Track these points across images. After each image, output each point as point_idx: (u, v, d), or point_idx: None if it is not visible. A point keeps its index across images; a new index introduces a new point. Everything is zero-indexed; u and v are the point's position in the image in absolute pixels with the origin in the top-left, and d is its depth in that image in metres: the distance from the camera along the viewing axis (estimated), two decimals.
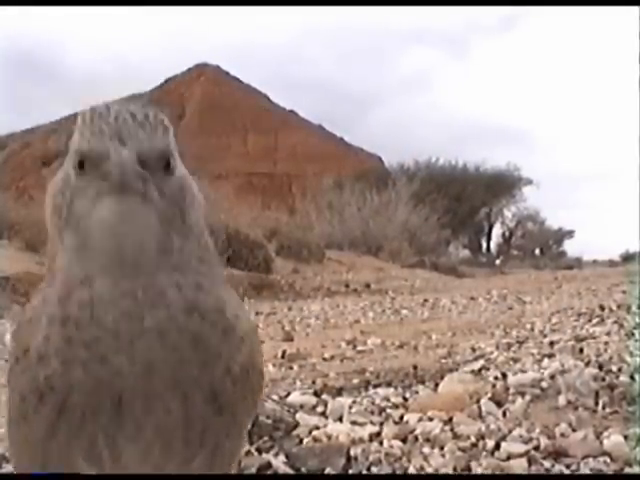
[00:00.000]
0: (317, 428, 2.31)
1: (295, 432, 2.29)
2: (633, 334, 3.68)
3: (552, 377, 2.65)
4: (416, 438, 2.19)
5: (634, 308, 4.80)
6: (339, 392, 2.89)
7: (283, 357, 4.22)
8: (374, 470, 2.01)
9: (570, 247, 29.23)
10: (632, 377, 2.61)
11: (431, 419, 2.34)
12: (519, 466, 1.96)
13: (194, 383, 0.91)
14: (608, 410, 2.34)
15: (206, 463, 0.97)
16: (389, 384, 3.02)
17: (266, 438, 2.21)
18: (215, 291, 0.96)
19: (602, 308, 5.20)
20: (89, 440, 0.91)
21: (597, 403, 2.40)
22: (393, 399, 2.64)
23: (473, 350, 3.89)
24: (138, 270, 0.90)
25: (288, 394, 2.77)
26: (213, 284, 0.96)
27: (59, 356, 0.90)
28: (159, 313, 0.89)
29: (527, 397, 2.49)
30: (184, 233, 0.94)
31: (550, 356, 3.20)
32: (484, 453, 2.05)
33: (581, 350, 3.30)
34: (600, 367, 2.78)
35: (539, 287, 9.22)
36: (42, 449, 0.94)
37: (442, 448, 2.10)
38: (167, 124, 0.95)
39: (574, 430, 2.17)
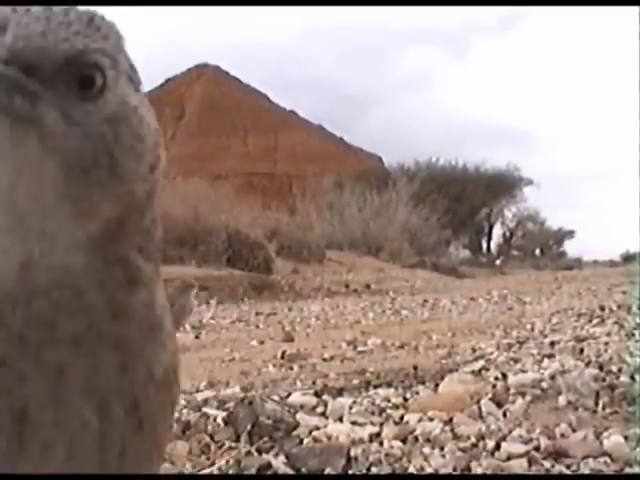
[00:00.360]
0: (317, 428, 2.31)
1: (295, 432, 2.28)
2: (633, 334, 3.68)
3: (552, 377, 2.65)
4: (416, 438, 2.19)
5: (634, 308, 4.80)
6: (339, 392, 2.89)
7: (283, 357, 4.23)
8: (374, 470, 2.01)
9: (570, 247, 29.27)
10: (632, 377, 2.61)
11: (431, 419, 2.34)
12: (519, 466, 1.96)
13: (112, 390, 0.73)
14: (608, 410, 2.34)
15: None
16: (389, 384, 3.02)
17: (266, 438, 2.21)
18: (149, 285, 0.74)
19: (602, 308, 5.21)
20: None
21: (597, 403, 2.40)
22: (393, 399, 2.64)
23: (473, 350, 3.89)
24: (27, 248, 0.66)
25: (288, 394, 2.77)
26: (149, 277, 0.73)
27: None
28: (76, 320, 0.68)
29: (527, 397, 2.49)
30: (111, 193, 0.66)
31: (550, 356, 3.20)
32: (484, 453, 2.05)
33: (581, 350, 3.30)
34: (600, 367, 2.78)
35: (539, 287, 9.22)
36: None
37: (442, 448, 2.10)
38: (105, 25, 0.66)
39: (574, 430, 2.17)
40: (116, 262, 0.70)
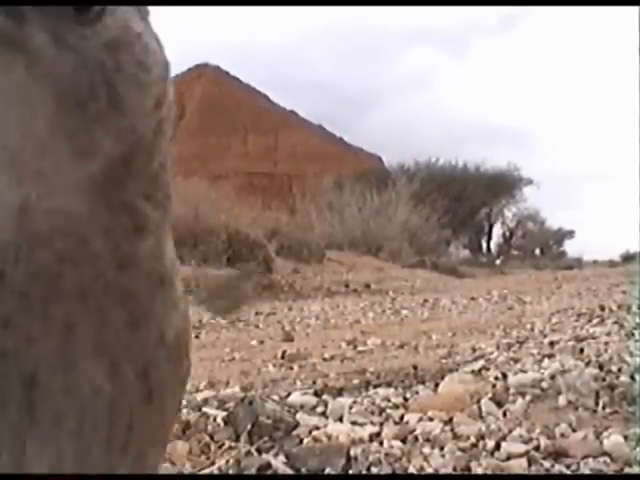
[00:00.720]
0: (317, 428, 2.31)
1: (295, 432, 2.28)
2: (633, 334, 3.68)
3: (552, 377, 2.65)
4: (416, 438, 2.19)
5: (634, 308, 4.80)
6: (339, 392, 2.89)
7: (283, 357, 4.23)
8: (374, 470, 2.01)
9: (570, 247, 29.24)
10: (632, 377, 2.61)
11: (431, 419, 2.34)
12: (519, 466, 1.96)
13: (123, 350, 0.66)
14: (608, 410, 2.34)
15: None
16: (389, 384, 3.02)
17: (266, 438, 2.21)
18: (156, 233, 0.68)
19: (602, 308, 5.21)
20: None
21: (597, 403, 2.40)
22: (393, 399, 2.64)
23: (473, 350, 3.89)
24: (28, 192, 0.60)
25: (288, 394, 2.77)
26: (156, 225, 0.67)
27: None
28: (82, 271, 0.63)
29: (527, 397, 2.49)
30: (112, 127, 0.60)
31: (550, 356, 3.20)
32: (484, 453, 2.05)
33: (581, 350, 3.30)
34: (600, 367, 2.78)
35: (539, 287, 9.22)
36: None
37: (442, 448, 2.10)
38: None
39: (574, 430, 2.17)
40: (121, 207, 0.64)
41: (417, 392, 2.77)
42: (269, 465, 2.02)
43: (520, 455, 2.01)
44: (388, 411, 2.50)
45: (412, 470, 1.98)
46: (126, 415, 0.67)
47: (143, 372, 0.68)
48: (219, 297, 4.44)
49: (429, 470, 1.98)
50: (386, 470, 2.00)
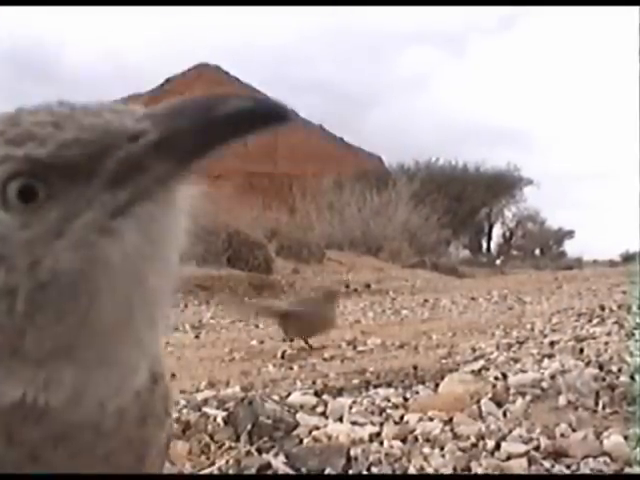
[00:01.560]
0: (317, 428, 2.31)
1: (295, 432, 2.28)
2: (633, 334, 3.68)
3: (552, 377, 2.65)
4: (416, 438, 2.19)
5: (634, 308, 4.80)
6: (339, 392, 2.89)
7: (283, 357, 4.23)
8: (374, 470, 2.01)
9: (570, 247, 29.24)
10: (632, 377, 2.61)
11: (431, 419, 2.34)
12: (519, 466, 1.96)
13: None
14: (608, 410, 2.34)
15: None
16: (389, 384, 3.02)
17: (266, 438, 2.21)
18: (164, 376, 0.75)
19: (602, 308, 5.21)
20: None
21: (597, 403, 2.40)
22: (393, 399, 2.64)
23: (473, 350, 3.89)
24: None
25: (288, 394, 2.77)
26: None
27: None
28: (116, 442, 0.68)
29: (527, 397, 2.49)
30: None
31: (550, 356, 3.20)
32: (484, 453, 2.05)
33: (581, 350, 3.30)
34: (600, 367, 2.78)
35: (539, 287, 9.21)
36: None
37: (442, 448, 2.10)
38: None
39: (574, 430, 2.17)
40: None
41: (417, 392, 2.76)
42: (269, 465, 2.02)
43: (520, 455, 2.01)
44: (388, 411, 2.50)
45: (412, 470, 1.98)
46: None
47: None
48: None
49: (429, 470, 1.98)
50: (386, 470, 2.00)
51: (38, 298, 0.53)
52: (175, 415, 2.27)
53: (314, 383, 3.17)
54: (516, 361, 3.22)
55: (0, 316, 0.53)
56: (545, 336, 4.16)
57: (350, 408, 2.52)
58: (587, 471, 1.91)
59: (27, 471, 0.63)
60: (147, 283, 0.58)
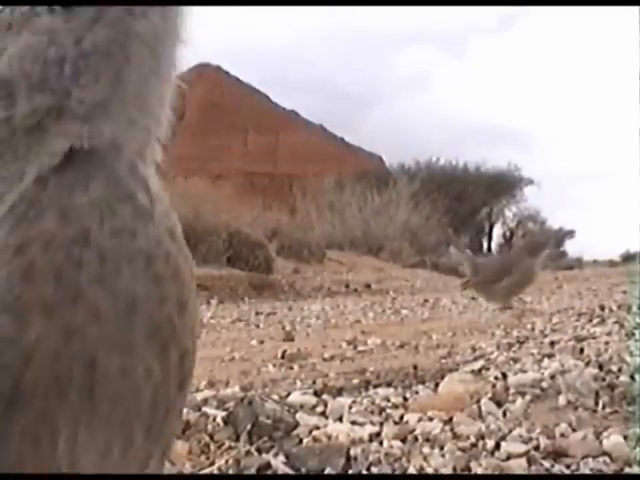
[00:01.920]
0: (317, 428, 2.31)
1: (295, 432, 2.28)
2: (633, 334, 3.68)
3: (552, 377, 2.65)
4: (416, 438, 2.19)
5: (634, 308, 4.80)
6: (339, 392, 2.89)
7: (283, 357, 4.23)
8: (374, 470, 2.01)
9: (571, 247, 29.21)
10: (632, 377, 2.61)
11: (431, 419, 2.34)
12: (519, 466, 1.96)
13: (172, 332, 0.66)
14: (608, 410, 2.34)
15: (157, 469, 0.69)
16: (389, 384, 3.02)
17: (266, 438, 2.21)
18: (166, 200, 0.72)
19: (602, 308, 5.21)
20: (46, 441, 0.60)
21: (597, 403, 2.40)
22: (393, 399, 2.64)
23: (473, 350, 3.89)
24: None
25: (288, 394, 2.77)
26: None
27: (10, 308, 0.59)
28: (150, 230, 0.65)
29: (527, 397, 2.49)
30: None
31: (550, 356, 3.20)
32: (484, 453, 2.05)
33: (581, 350, 3.30)
34: (600, 367, 2.78)
35: (539, 287, 9.21)
36: None
37: (442, 448, 2.10)
38: None
39: (574, 430, 2.17)
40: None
41: (417, 392, 2.76)
42: (269, 465, 2.02)
43: (520, 455, 2.01)
44: (388, 411, 2.50)
45: (412, 470, 1.98)
46: (165, 402, 0.66)
47: (180, 359, 0.67)
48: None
49: (429, 470, 1.98)
50: (386, 470, 2.00)
51: (81, 64, 0.67)
52: None
53: (314, 383, 3.17)
54: (516, 361, 3.22)
55: (51, 80, 0.66)
56: (545, 336, 4.16)
57: (350, 408, 2.52)
58: (587, 471, 1.91)
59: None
60: (161, 57, 0.70)
